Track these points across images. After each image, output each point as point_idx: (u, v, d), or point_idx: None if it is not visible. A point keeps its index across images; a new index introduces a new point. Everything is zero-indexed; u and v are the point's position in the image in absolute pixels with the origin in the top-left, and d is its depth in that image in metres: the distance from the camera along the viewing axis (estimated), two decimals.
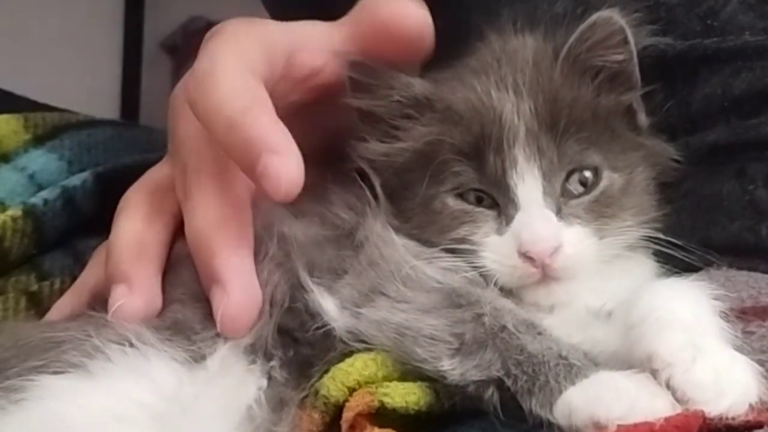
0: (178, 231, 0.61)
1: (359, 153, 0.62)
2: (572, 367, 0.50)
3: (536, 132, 0.59)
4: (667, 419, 0.45)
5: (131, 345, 0.55)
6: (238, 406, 0.56)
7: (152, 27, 1.93)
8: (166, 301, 0.59)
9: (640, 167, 0.61)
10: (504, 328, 0.52)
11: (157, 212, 0.61)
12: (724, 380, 0.47)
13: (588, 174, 0.60)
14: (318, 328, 0.56)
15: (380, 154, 0.62)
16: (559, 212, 0.58)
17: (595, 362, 0.51)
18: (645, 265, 0.60)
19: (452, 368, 0.52)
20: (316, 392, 0.53)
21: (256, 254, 0.59)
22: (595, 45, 0.60)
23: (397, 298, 0.56)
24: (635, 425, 0.45)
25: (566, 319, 0.56)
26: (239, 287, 0.56)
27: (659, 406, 0.46)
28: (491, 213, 0.59)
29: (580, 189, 0.59)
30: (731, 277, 0.55)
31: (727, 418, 0.46)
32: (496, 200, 0.59)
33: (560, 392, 0.49)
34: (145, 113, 1.93)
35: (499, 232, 0.58)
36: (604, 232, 0.59)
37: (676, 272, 0.57)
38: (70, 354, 0.54)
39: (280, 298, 0.58)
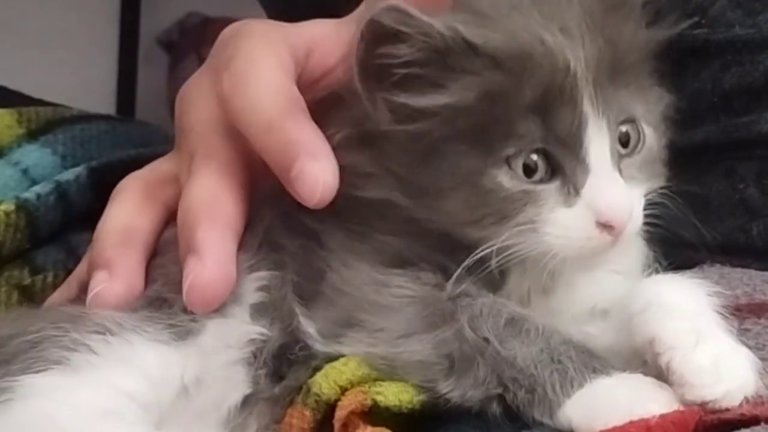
0: (170, 222, 0.61)
1: (373, 117, 0.55)
2: (566, 373, 0.49)
3: (600, 80, 0.54)
4: (663, 416, 0.45)
5: (111, 333, 0.54)
6: (224, 406, 0.55)
7: (148, 22, 1.93)
8: (146, 285, 0.58)
9: (660, 106, 0.59)
10: (486, 340, 0.51)
11: (150, 201, 0.61)
12: (722, 367, 0.47)
13: (632, 129, 0.56)
14: (305, 348, 0.55)
15: (410, 112, 0.54)
16: (620, 173, 0.55)
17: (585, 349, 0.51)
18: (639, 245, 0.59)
19: (450, 389, 0.51)
20: (308, 389, 0.53)
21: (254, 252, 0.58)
22: None
23: (373, 327, 0.54)
24: (631, 422, 0.45)
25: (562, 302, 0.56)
26: (215, 260, 0.55)
27: (654, 410, 0.46)
28: (552, 186, 0.54)
29: (627, 147, 0.56)
30: (725, 274, 0.55)
31: (721, 410, 0.46)
32: (561, 165, 0.54)
33: (559, 405, 0.49)
34: (141, 108, 1.93)
35: (567, 203, 0.53)
36: (648, 192, 0.57)
37: (671, 268, 0.57)
38: (49, 351, 0.53)
39: (285, 316, 0.57)
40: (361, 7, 0.63)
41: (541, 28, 0.53)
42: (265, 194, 0.60)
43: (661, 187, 0.57)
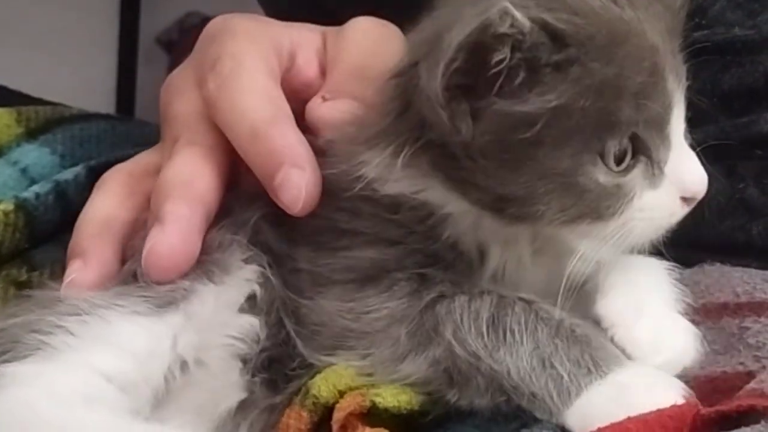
0: None
1: (451, 131, 0.50)
2: (561, 380, 0.49)
3: (672, 50, 0.52)
4: (659, 411, 0.46)
5: (86, 313, 0.54)
6: (216, 409, 0.55)
7: (148, 22, 1.93)
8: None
9: None
10: (477, 356, 0.51)
11: (132, 192, 0.61)
12: (661, 339, 0.51)
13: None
14: (302, 365, 0.55)
15: (508, 120, 0.50)
16: None
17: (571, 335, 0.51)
18: None
19: (457, 399, 0.52)
20: (307, 391, 0.53)
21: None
22: None
23: (361, 351, 0.54)
24: (629, 419, 0.46)
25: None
26: (177, 230, 0.56)
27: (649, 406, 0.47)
28: (637, 170, 0.52)
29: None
30: (726, 273, 0.56)
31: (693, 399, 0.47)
32: (647, 145, 0.52)
33: (559, 413, 0.49)
34: (141, 108, 1.93)
35: (653, 184, 0.52)
36: None
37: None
38: (26, 338, 0.53)
39: (274, 324, 0.56)
40: (358, 26, 0.63)
41: (608, 1, 0.51)
42: (254, 190, 0.59)
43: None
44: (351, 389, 0.52)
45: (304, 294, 0.56)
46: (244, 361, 0.56)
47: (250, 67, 0.59)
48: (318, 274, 0.56)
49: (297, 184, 0.55)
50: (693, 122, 0.61)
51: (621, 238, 0.52)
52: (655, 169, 0.52)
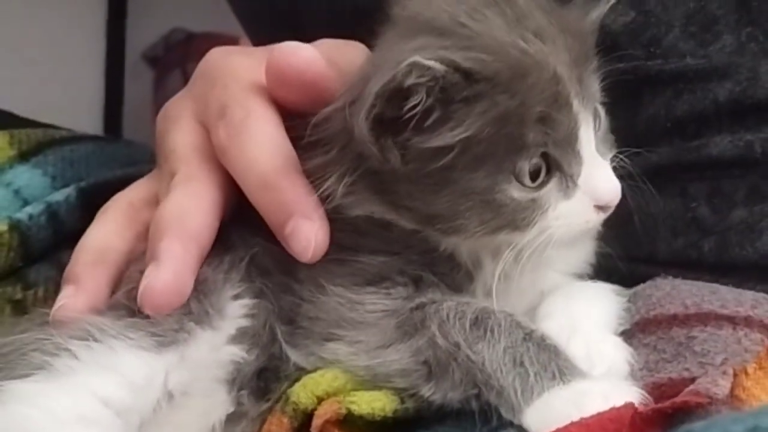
0: None
1: (381, 160, 0.56)
2: (527, 379, 0.53)
3: (579, 74, 0.57)
4: (600, 414, 0.48)
5: (95, 339, 0.56)
6: (209, 421, 0.58)
7: (134, 38, 1.94)
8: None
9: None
10: (457, 345, 0.54)
11: (130, 222, 0.64)
12: (594, 355, 0.54)
13: (599, 108, 0.60)
14: (289, 374, 0.58)
15: (425, 152, 0.55)
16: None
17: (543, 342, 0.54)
18: None
19: (432, 392, 0.55)
20: (287, 398, 0.56)
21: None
22: None
23: (352, 341, 0.57)
24: (572, 423, 0.48)
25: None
26: (172, 269, 0.58)
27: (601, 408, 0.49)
28: (551, 184, 0.57)
29: (597, 125, 0.59)
30: (676, 286, 0.59)
31: (649, 403, 0.50)
32: (558, 162, 0.57)
33: (520, 410, 0.52)
34: (128, 123, 1.93)
35: (567, 195, 0.57)
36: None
37: (630, 283, 0.61)
38: (32, 356, 0.55)
39: (267, 343, 0.59)
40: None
41: (516, 37, 0.56)
42: (251, 218, 0.62)
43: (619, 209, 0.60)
44: (329, 395, 0.55)
45: (304, 297, 0.59)
46: (231, 382, 0.59)
47: (260, 118, 0.61)
48: (323, 278, 0.59)
49: (306, 235, 0.58)
50: (648, 145, 0.65)
51: (543, 243, 0.57)
52: (568, 182, 0.57)
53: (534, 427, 0.52)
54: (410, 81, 0.53)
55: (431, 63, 0.53)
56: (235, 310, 0.59)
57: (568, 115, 0.56)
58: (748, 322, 0.55)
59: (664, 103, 0.65)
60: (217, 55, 0.66)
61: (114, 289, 0.61)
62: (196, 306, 0.58)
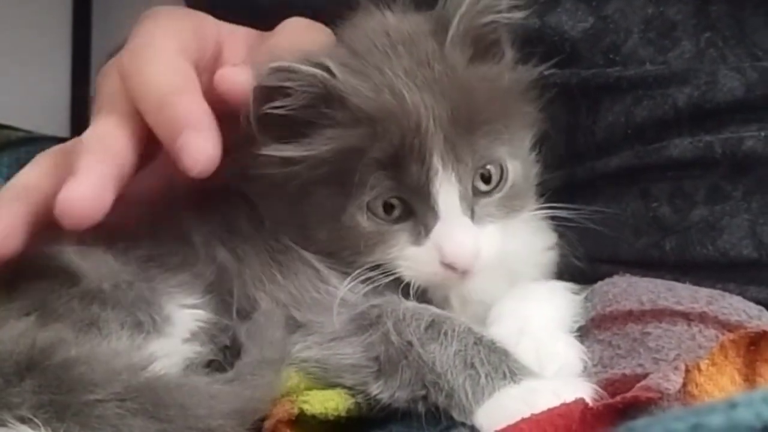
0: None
1: (256, 165, 0.59)
2: (478, 380, 0.53)
3: (452, 135, 0.58)
4: (550, 410, 0.48)
5: None
6: None
7: (100, 40, 1.93)
8: None
9: (527, 138, 0.63)
10: (410, 344, 0.54)
11: (57, 165, 0.62)
12: (543, 356, 0.55)
13: (495, 169, 0.60)
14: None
15: (287, 159, 0.59)
16: (473, 215, 0.59)
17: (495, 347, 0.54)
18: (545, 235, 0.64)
19: (380, 391, 0.55)
20: None
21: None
22: (486, 9, 0.60)
23: (310, 326, 0.58)
24: (523, 419, 0.48)
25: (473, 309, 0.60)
26: (89, 182, 0.57)
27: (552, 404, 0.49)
28: (406, 225, 0.59)
29: (489, 185, 0.60)
30: (633, 283, 0.60)
31: (602, 399, 0.50)
32: (414, 209, 0.58)
33: (471, 411, 0.52)
34: None
35: (417, 243, 0.58)
36: (514, 222, 0.61)
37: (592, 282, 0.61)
38: None
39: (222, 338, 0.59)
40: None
41: (402, 83, 0.57)
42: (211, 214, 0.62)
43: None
44: (282, 395, 0.55)
45: (255, 293, 0.60)
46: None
47: (160, 44, 0.61)
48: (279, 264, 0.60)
49: (196, 146, 0.56)
50: (609, 150, 0.65)
51: (389, 273, 0.58)
52: (422, 231, 0.58)
53: (486, 426, 0.51)
54: (272, 83, 0.56)
55: (298, 66, 0.56)
56: (188, 319, 0.59)
57: (419, 168, 0.57)
58: (702, 318, 0.55)
59: (623, 110, 0.66)
60: (152, 9, 0.65)
61: (34, 228, 0.59)
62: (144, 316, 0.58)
